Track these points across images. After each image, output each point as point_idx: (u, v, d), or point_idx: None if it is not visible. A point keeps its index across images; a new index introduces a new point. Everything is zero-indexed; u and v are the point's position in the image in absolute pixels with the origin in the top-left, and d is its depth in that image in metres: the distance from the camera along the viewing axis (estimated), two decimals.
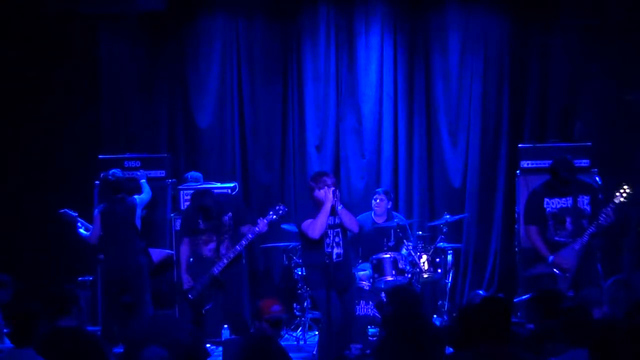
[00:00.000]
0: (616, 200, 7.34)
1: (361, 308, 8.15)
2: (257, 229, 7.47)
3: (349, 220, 7.27)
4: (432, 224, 9.40)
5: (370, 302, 8.14)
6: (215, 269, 7.48)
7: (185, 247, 7.69)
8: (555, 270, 7.50)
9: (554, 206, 7.62)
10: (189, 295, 7.48)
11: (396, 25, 10.03)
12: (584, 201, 7.60)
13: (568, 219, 7.58)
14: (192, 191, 8.43)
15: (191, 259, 7.71)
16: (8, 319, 6.05)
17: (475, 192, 9.93)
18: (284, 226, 9.05)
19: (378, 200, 8.98)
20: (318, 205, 7.20)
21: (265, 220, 7.48)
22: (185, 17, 10.13)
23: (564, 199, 7.61)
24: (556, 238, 7.59)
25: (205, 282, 7.48)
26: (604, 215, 7.34)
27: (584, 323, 4.98)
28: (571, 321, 4.99)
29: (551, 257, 7.49)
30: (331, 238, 7.14)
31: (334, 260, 7.08)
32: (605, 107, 9.54)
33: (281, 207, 7.58)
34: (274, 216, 7.55)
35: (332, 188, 7.15)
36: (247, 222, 7.63)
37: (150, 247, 8.80)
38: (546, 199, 7.64)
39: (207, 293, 7.50)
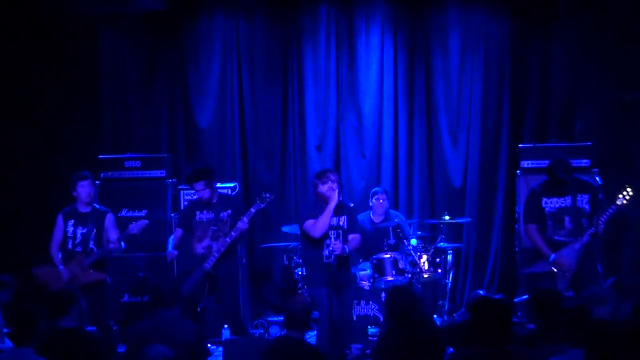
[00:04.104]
0: (618, 202, 7.36)
1: (361, 308, 8.15)
2: (234, 231, 7.49)
3: (355, 246, 7.41)
4: (432, 221, 9.39)
5: (371, 302, 8.15)
6: (207, 264, 7.48)
7: (175, 235, 7.74)
8: (554, 269, 7.51)
9: (552, 206, 7.63)
10: (182, 292, 7.45)
11: (396, 25, 10.03)
12: (583, 200, 7.60)
13: (567, 218, 7.58)
14: (192, 191, 8.43)
15: (181, 255, 7.74)
16: (8, 319, 6.06)
17: (476, 192, 9.93)
18: (284, 229, 9.06)
19: (381, 201, 8.97)
20: (321, 201, 7.22)
21: (245, 219, 7.48)
22: (185, 17, 10.14)
23: (562, 199, 7.61)
24: (555, 237, 7.60)
25: (197, 278, 7.47)
26: (603, 219, 7.36)
27: (584, 323, 4.99)
28: (572, 321, 5.00)
29: (553, 256, 7.49)
30: (332, 239, 7.17)
31: (334, 260, 7.10)
32: (605, 107, 9.54)
33: (267, 195, 7.56)
34: (262, 204, 7.53)
35: (337, 189, 7.19)
36: None
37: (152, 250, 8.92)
38: (544, 199, 7.64)
39: (201, 289, 7.49)
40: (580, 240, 7.45)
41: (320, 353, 5.59)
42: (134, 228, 7.66)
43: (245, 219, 7.47)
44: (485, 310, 4.76)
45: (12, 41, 9.69)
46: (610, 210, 7.40)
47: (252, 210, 7.50)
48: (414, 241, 8.70)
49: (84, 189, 7.75)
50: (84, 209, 7.78)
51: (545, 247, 7.57)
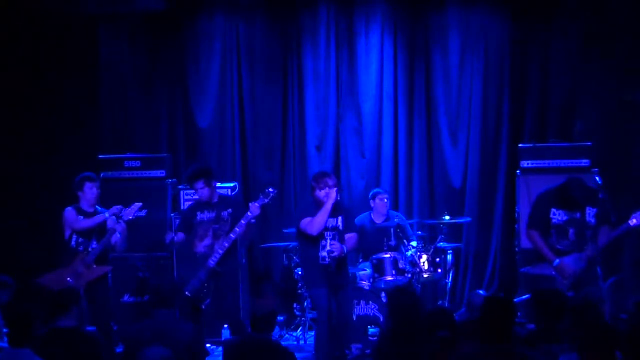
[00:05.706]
0: (631, 224, 7.25)
1: (361, 308, 8.15)
2: (249, 213, 7.39)
3: (353, 245, 7.40)
4: (432, 222, 9.39)
5: (371, 302, 8.15)
6: (211, 261, 7.46)
7: (177, 238, 7.67)
8: (555, 274, 7.45)
9: (560, 218, 7.46)
10: (187, 292, 7.44)
11: (396, 25, 10.03)
12: (591, 213, 7.45)
13: (571, 230, 7.43)
14: (192, 191, 8.42)
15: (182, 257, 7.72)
16: (7, 320, 6.05)
17: (476, 192, 9.92)
18: (287, 231, 9.06)
19: (385, 200, 8.98)
20: (318, 204, 7.22)
21: (257, 204, 7.41)
22: (185, 17, 10.14)
23: (571, 213, 7.49)
24: (558, 246, 7.49)
25: (202, 277, 7.46)
26: (613, 235, 7.29)
27: (585, 323, 4.99)
28: (581, 321, 4.99)
29: (557, 261, 7.36)
30: (328, 240, 7.15)
31: (330, 261, 7.10)
32: (605, 107, 9.54)
33: (271, 190, 7.52)
34: (266, 200, 7.52)
35: (335, 188, 7.19)
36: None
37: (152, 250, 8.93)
38: (553, 210, 7.50)
39: (207, 287, 7.49)
40: (592, 248, 7.33)
41: (288, 352, 5.55)
42: (129, 214, 7.71)
43: (248, 213, 7.40)
44: (488, 308, 4.76)
45: (12, 41, 9.69)
46: (622, 229, 7.28)
47: (258, 204, 7.45)
48: (414, 243, 8.70)
49: (92, 191, 7.80)
50: (88, 209, 7.81)
51: (549, 252, 7.41)
